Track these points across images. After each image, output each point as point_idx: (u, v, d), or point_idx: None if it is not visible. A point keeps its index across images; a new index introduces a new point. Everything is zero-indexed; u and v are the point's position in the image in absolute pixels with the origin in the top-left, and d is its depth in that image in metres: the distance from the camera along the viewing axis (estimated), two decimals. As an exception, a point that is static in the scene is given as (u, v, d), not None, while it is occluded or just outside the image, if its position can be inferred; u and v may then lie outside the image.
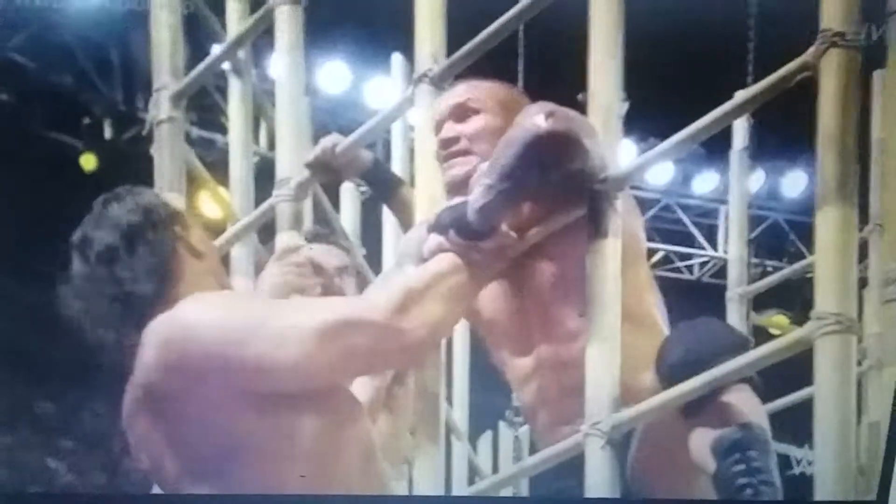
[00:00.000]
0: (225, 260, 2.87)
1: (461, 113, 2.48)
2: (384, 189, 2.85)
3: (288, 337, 1.84)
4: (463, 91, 2.49)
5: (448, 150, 2.47)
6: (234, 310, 1.91)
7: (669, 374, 2.19)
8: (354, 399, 2.06)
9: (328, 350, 1.85)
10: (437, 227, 2.06)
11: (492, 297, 2.46)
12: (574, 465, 2.26)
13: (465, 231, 2.02)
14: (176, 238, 2.03)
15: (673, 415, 2.19)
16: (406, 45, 2.57)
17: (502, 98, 2.49)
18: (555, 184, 2.12)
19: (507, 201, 2.04)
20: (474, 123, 2.47)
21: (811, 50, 2.01)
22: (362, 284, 2.66)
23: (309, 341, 1.83)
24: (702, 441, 2.15)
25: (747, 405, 2.14)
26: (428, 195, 2.41)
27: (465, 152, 2.45)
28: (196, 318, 1.87)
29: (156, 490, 2.33)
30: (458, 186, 2.41)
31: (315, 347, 1.84)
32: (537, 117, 2.04)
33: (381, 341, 1.90)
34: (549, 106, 2.08)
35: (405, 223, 2.78)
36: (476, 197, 2.03)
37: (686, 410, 2.17)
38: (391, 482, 2.22)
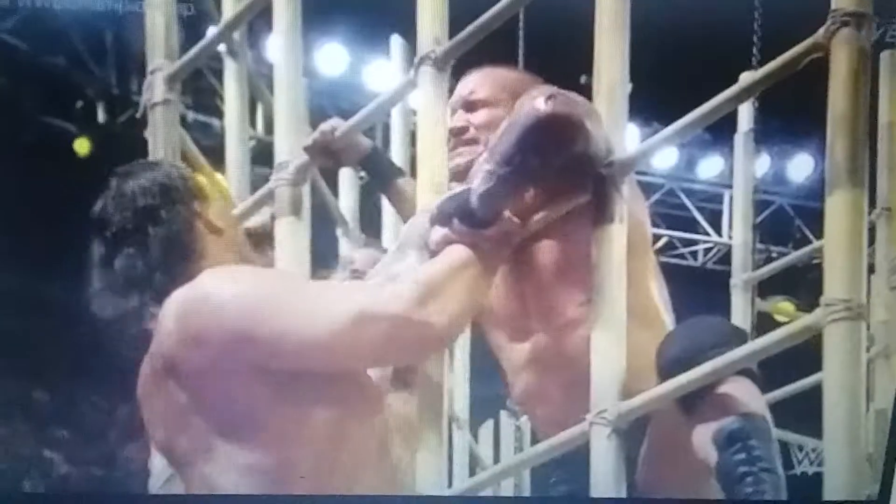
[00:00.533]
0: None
1: (471, 103, 2.51)
2: (381, 178, 2.82)
3: (310, 318, 1.84)
4: (474, 82, 2.53)
5: (457, 138, 2.50)
6: (255, 285, 1.90)
7: (668, 369, 2.16)
8: (374, 390, 2.07)
9: (350, 337, 1.85)
10: (440, 217, 2.04)
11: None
12: (575, 464, 2.25)
13: (468, 219, 2.01)
14: (194, 215, 2.02)
15: (677, 419, 2.18)
16: (405, 27, 2.55)
17: (516, 87, 2.46)
18: (557, 168, 2.10)
19: (509, 186, 2.01)
20: (483, 114, 2.50)
21: (821, 31, 1.98)
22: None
23: (332, 325, 1.84)
24: (703, 435, 2.13)
25: (746, 395, 2.12)
26: (430, 182, 2.37)
27: (473, 141, 2.48)
28: (215, 290, 1.86)
29: (153, 484, 2.31)
30: (462, 175, 2.41)
31: (337, 333, 1.84)
32: (537, 100, 2.02)
33: (403, 332, 1.89)
34: (551, 89, 2.05)
35: (401, 213, 2.78)
36: (478, 183, 2.01)
37: (686, 407, 2.15)
38: (402, 475, 2.20)
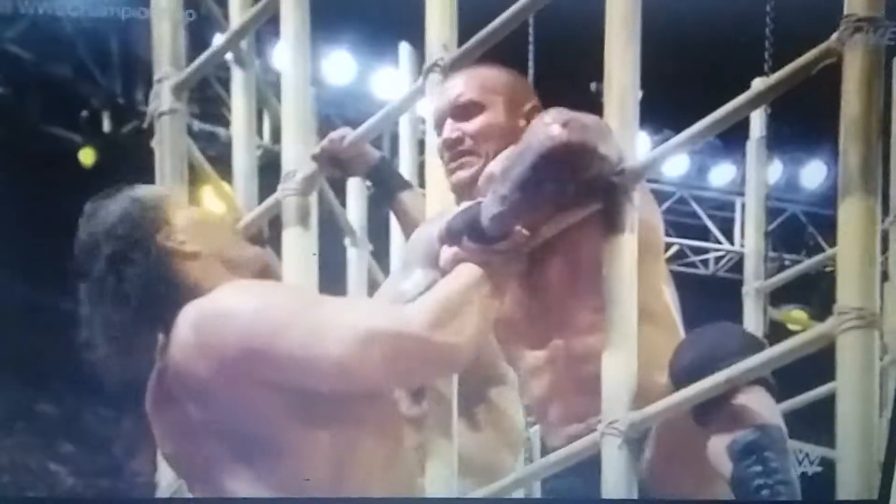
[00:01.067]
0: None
1: (461, 110, 2.41)
2: (387, 190, 2.80)
3: (326, 336, 1.84)
4: (461, 86, 2.42)
5: (453, 150, 2.41)
6: (271, 300, 1.91)
7: (682, 377, 2.14)
8: (391, 407, 2.10)
9: (365, 357, 1.84)
10: (450, 235, 2.04)
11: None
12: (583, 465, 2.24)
13: (478, 236, 2.00)
14: (162, 250, 2.01)
15: (686, 423, 2.15)
16: (413, 34, 2.53)
17: (502, 87, 2.42)
18: (570, 192, 2.08)
19: (521, 211, 2.01)
20: (477, 122, 2.40)
21: (834, 36, 1.96)
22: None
23: (348, 345, 1.83)
24: (718, 445, 2.10)
25: (762, 406, 2.09)
26: (439, 191, 2.36)
27: (470, 152, 2.40)
28: (232, 304, 1.88)
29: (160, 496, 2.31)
30: (465, 188, 2.38)
31: (353, 352, 1.84)
32: (551, 127, 1.99)
33: (418, 353, 1.90)
34: (564, 114, 2.02)
35: (403, 228, 2.76)
36: (488, 205, 2.00)
37: (700, 417, 2.12)
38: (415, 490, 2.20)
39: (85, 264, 2.00)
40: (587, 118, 2.05)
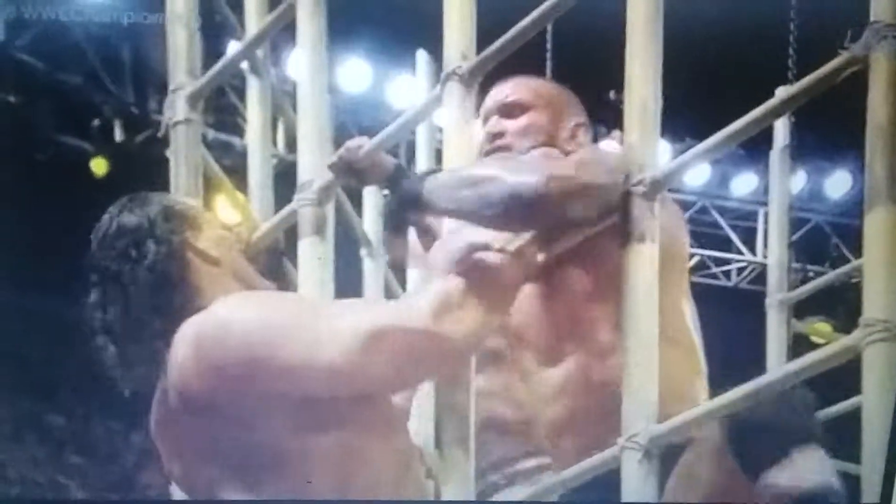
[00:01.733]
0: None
1: (508, 110, 2.53)
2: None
3: (327, 341, 1.83)
4: (509, 88, 2.54)
5: (492, 144, 2.51)
6: (271, 309, 1.91)
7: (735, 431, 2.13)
8: (397, 411, 2.09)
9: (369, 357, 1.83)
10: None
11: (520, 303, 2.38)
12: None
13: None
14: (186, 247, 2.02)
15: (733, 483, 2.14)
16: (431, 42, 2.52)
17: (549, 95, 2.54)
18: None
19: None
20: (520, 121, 2.51)
21: (860, 43, 1.93)
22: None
23: (349, 346, 1.82)
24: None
25: (817, 464, 2.09)
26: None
27: (507, 147, 2.49)
28: (231, 316, 1.87)
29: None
30: None
31: (355, 353, 1.82)
32: (533, 176, 2.05)
33: (423, 348, 1.88)
34: (549, 166, 2.08)
35: (421, 237, 2.74)
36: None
37: (753, 473, 2.10)
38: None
39: (104, 261, 2.01)
40: (586, 156, 2.09)
